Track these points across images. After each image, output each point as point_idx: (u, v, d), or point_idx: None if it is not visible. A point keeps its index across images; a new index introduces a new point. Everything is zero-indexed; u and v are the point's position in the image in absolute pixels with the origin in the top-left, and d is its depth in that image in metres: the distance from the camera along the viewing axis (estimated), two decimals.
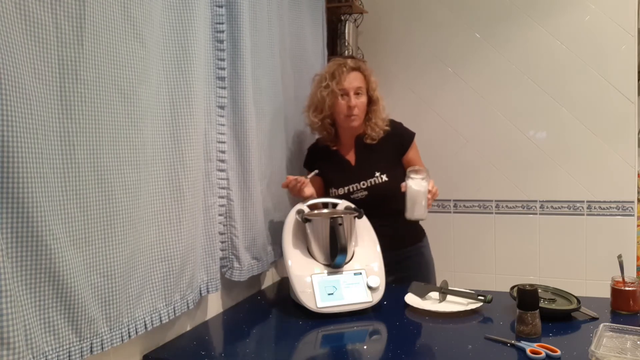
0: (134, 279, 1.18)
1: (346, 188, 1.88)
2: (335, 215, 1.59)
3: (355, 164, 1.92)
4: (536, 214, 2.55)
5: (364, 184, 1.86)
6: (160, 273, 1.28)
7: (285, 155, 1.97)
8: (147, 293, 1.24)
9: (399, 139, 1.91)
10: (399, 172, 1.84)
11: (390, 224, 1.82)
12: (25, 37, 0.91)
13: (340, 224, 1.54)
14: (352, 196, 1.87)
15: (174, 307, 1.32)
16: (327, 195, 1.93)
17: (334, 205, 1.80)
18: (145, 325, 1.22)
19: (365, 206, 1.73)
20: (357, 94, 1.85)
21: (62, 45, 0.98)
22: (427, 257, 1.98)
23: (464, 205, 2.67)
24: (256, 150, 1.69)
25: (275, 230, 1.87)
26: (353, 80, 1.85)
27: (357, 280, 1.56)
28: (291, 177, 1.76)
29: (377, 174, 1.86)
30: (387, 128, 1.89)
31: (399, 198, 1.69)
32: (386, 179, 1.85)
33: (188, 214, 1.35)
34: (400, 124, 1.96)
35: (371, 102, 1.89)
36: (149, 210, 1.24)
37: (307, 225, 1.62)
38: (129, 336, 1.16)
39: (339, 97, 1.85)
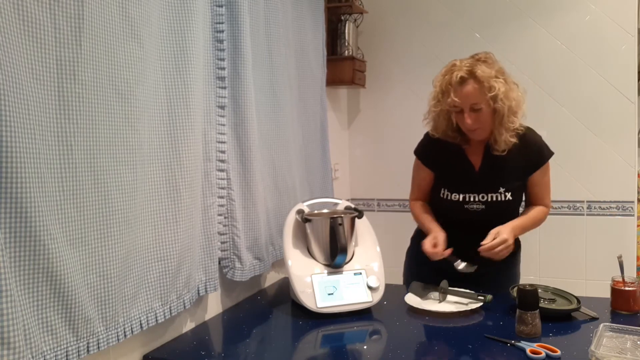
0: (130, 278, 1.18)
1: (462, 195, 1.66)
2: (335, 215, 1.59)
3: (479, 170, 1.67)
4: None
5: (483, 197, 1.64)
6: (157, 273, 1.27)
7: (288, 155, 1.97)
8: (143, 293, 1.24)
9: (533, 156, 1.65)
10: (523, 192, 1.69)
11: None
12: (23, 37, 0.91)
13: (340, 224, 1.54)
14: (466, 205, 1.66)
15: (170, 307, 1.32)
16: (435, 194, 1.74)
17: (334, 205, 1.80)
18: (141, 325, 1.22)
19: (477, 218, 1.62)
20: (474, 110, 1.56)
21: (60, 46, 0.98)
22: (514, 271, 1.80)
23: None
24: (257, 150, 1.69)
25: (277, 230, 1.87)
26: (467, 96, 1.55)
27: (357, 280, 1.56)
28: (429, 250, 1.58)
29: (502, 189, 1.63)
30: (513, 140, 1.60)
31: (510, 216, 1.64)
32: (510, 197, 1.64)
33: (185, 214, 1.34)
34: (538, 138, 1.68)
35: (496, 112, 1.57)
36: (146, 210, 1.24)
37: (307, 225, 1.62)
38: (125, 336, 1.16)
39: (454, 113, 1.61)
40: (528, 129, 1.67)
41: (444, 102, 1.61)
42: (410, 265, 1.89)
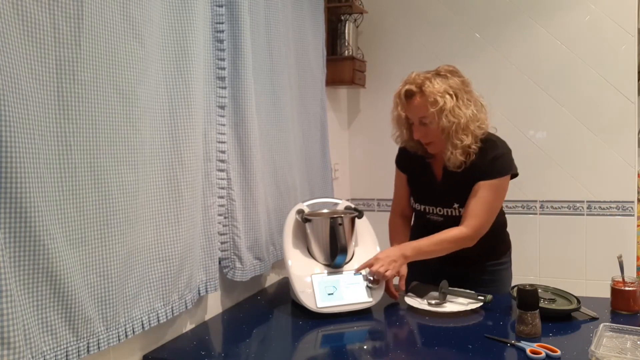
0: (131, 279, 1.18)
1: (423, 207, 1.72)
2: (335, 215, 1.59)
3: (439, 183, 1.67)
4: (536, 214, 2.55)
5: (440, 211, 1.67)
6: (158, 273, 1.27)
7: (288, 155, 1.97)
8: (144, 293, 1.24)
9: (483, 167, 1.56)
10: None
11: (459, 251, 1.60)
12: (23, 37, 0.91)
13: (340, 224, 1.54)
14: (428, 216, 1.71)
15: (171, 307, 1.32)
16: (410, 201, 1.78)
17: (334, 205, 1.80)
18: (142, 325, 1.22)
19: (439, 229, 1.60)
20: (423, 123, 1.57)
21: (59, 45, 0.98)
22: (504, 276, 1.74)
23: None
24: (258, 150, 1.69)
25: (278, 230, 1.87)
26: (414, 109, 1.57)
27: (357, 280, 1.56)
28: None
29: (456, 205, 1.62)
30: (461, 159, 1.55)
31: None
32: (462, 213, 1.61)
33: (186, 214, 1.34)
34: (500, 152, 1.58)
35: (443, 130, 1.55)
36: (147, 211, 1.24)
37: (307, 225, 1.62)
38: (126, 336, 1.16)
39: (409, 125, 1.64)
40: (493, 142, 1.59)
41: (396, 112, 1.64)
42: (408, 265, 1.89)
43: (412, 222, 1.85)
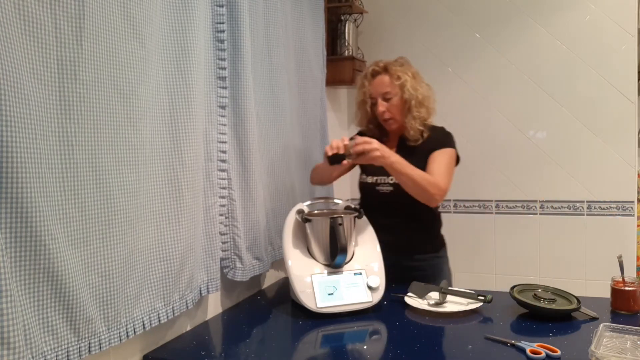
0: (132, 279, 1.18)
1: (375, 178, 1.85)
2: (335, 215, 1.59)
3: None
4: (536, 214, 2.55)
5: (392, 179, 1.79)
6: (159, 273, 1.27)
7: (287, 155, 1.97)
8: (145, 293, 1.24)
9: (437, 141, 1.80)
10: None
11: (404, 226, 1.78)
12: (24, 37, 0.91)
13: (340, 224, 1.54)
14: (377, 187, 1.84)
15: (172, 307, 1.32)
16: (359, 180, 1.94)
17: (334, 204, 1.80)
18: (143, 325, 1.22)
19: (387, 201, 1.74)
20: (386, 99, 1.81)
21: (61, 45, 0.98)
22: (442, 269, 1.88)
23: (464, 205, 2.67)
24: (257, 150, 1.69)
25: (276, 230, 1.87)
26: (378, 86, 1.82)
27: (357, 280, 1.56)
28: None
29: None
30: (420, 128, 1.80)
31: (420, 203, 1.70)
32: None
33: (187, 214, 1.34)
34: (441, 129, 1.87)
35: (405, 102, 1.80)
36: (148, 211, 1.24)
37: (307, 225, 1.62)
38: (127, 336, 1.16)
39: (372, 104, 1.84)
40: (433, 126, 1.85)
41: (361, 93, 1.87)
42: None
43: (359, 201, 1.96)
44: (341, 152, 1.59)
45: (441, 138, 1.83)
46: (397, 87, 1.79)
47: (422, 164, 1.74)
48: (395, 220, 1.74)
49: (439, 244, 1.92)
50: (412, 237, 1.83)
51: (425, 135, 1.82)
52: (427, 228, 1.87)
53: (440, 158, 1.76)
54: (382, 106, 1.81)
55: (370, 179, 1.87)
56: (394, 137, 1.90)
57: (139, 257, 1.21)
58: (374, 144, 1.58)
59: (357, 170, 2.91)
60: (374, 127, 1.92)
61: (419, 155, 1.78)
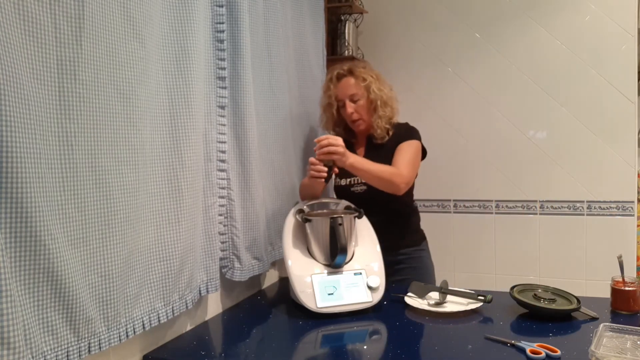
0: (132, 279, 1.18)
1: (348, 180, 1.90)
2: (335, 215, 1.59)
3: (363, 156, 1.87)
4: (536, 214, 2.55)
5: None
6: (159, 273, 1.27)
7: (287, 155, 1.97)
8: (145, 293, 1.24)
9: (402, 135, 1.89)
10: None
11: (384, 223, 1.80)
12: (24, 36, 0.91)
13: (340, 224, 1.54)
14: (352, 189, 1.90)
15: (172, 307, 1.32)
16: (334, 185, 1.98)
17: (335, 204, 1.80)
18: (143, 325, 1.22)
19: (363, 201, 1.78)
20: (353, 100, 1.87)
21: (60, 45, 0.98)
22: (426, 262, 1.96)
23: (464, 205, 2.66)
24: (257, 150, 1.69)
25: (276, 230, 1.87)
26: (345, 88, 1.88)
27: (357, 280, 1.56)
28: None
29: None
30: (387, 127, 1.89)
31: (396, 199, 1.75)
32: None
33: (187, 214, 1.34)
34: (405, 124, 1.95)
35: (371, 103, 1.88)
36: (148, 211, 1.24)
37: (307, 225, 1.62)
38: (127, 336, 1.16)
39: (339, 107, 1.90)
40: (397, 123, 1.93)
41: (326, 97, 1.92)
42: None
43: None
44: (323, 174, 1.64)
45: (405, 132, 1.90)
46: (362, 88, 1.87)
47: (390, 160, 1.83)
48: (375, 218, 1.74)
49: (420, 238, 1.99)
50: (394, 232, 1.88)
51: (390, 132, 1.90)
52: (406, 223, 1.95)
53: (404, 150, 1.84)
54: (350, 107, 1.87)
55: (344, 182, 1.92)
56: (361, 138, 1.97)
57: (139, 257, 1.21)
58: (339, 146, 1.62)
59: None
60: (341, 129, 1.99)
61: (386, 151, 1.86)
